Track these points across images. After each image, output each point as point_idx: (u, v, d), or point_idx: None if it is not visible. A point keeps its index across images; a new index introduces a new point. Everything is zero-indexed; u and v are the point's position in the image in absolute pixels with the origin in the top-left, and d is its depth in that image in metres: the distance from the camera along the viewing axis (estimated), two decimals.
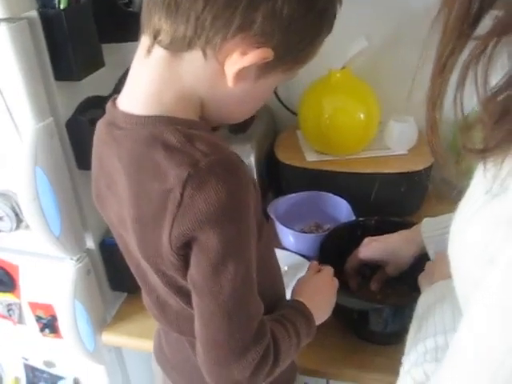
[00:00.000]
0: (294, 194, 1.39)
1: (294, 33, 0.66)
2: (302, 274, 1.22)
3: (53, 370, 1.32)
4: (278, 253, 1.29)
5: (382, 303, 1.07)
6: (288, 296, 0.93)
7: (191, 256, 0.66)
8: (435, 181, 1.46)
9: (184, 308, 0.76)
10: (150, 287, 0.81)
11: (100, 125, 0.76)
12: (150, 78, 0.68)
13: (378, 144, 1.43)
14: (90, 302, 1.15)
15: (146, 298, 0.86)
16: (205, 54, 0.65)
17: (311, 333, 0.82)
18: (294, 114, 1.51)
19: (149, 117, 0.67)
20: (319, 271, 0.95)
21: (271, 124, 1.56)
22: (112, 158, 0.71)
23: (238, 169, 0.65)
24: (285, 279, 1.24)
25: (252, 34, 0.64)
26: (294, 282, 1.21)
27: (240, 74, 0.66)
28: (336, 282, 0.93)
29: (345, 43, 1.25)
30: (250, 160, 1.37)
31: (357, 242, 1.17)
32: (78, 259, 1.11)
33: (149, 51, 0.68)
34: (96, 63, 1.04)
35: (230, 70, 0.66)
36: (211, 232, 0.63)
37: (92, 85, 1.07)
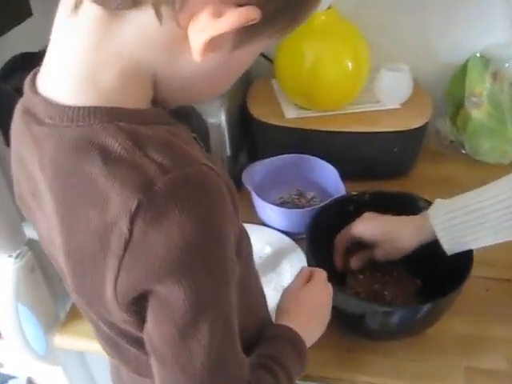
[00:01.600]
0: (272, 158, 1.20)
1: None
2: (288, 256, 1.08)
3: (2, 370, 1.15)
4: (258, 230, 1.15)
5: (386, 305, 0.93)
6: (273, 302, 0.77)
7: (148, 312, 0.48)
8: (430, 136, 1.30)
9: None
10: (96, 325, 0.63)
11: (16, 111, 0.54)
12: (78, 49, 0.47)
13: (367, 97, 1.24)
14: (37, 302, 0.96)
15: (93, 330, 0.68)
16: (159, 14, 0.44)
17: (304, 367, 0.66)
18: (270, 61, 1.29)
19: (79, 108, 0.46)
20: (309, 278, 0.77)
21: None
22: (34, 162, 0.51)
23: (211, 188, 0.46)
24: (268, 262, 1.10)
25: None
26: (280, 267, 1.07)
27: (211, 44, 0.45)
28: (330, 288, 0.76)
29: None
30: (221, 120, 1.17)
31: (348, 220, 1.01)
32: (17, 256, 0.91)
33: (76, 7, 0.46)
34: (21, 13, 0.81)
35: (196, 39, 0.45)
36: (175, 284, 0.45)
37: (19, 40, 0.85)
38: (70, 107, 0.47)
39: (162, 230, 0.43)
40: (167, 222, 0.43)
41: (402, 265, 1.01)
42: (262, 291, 0.72)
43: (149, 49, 0.46)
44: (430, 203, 0.91)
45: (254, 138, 1.28)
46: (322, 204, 1.06)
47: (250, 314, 0.64)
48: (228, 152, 1.22)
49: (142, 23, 0.45)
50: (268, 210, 1.11)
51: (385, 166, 1.22)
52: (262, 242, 1.11)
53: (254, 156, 1.29)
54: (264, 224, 1.14)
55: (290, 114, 1.22)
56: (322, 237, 0.97)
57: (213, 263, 0.46)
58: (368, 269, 1.02)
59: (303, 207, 1.17)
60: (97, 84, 0.47)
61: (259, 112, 1.24)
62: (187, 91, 0.53)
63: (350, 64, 1.17)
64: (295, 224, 1.09)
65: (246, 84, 1.33)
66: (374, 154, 1.21)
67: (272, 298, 1.01)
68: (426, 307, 0.83)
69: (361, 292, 0.98)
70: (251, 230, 1.14)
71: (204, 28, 0.44)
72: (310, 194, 1.21)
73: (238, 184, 1.16)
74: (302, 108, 1.23)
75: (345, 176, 1.15)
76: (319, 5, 0.51)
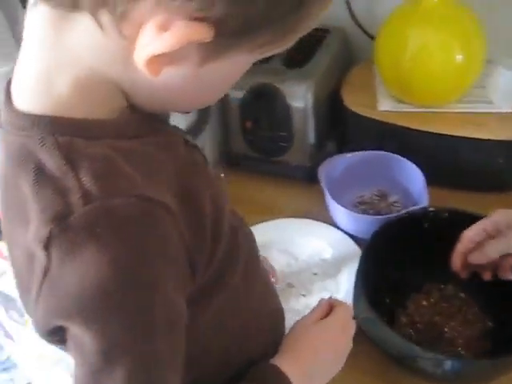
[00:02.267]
0: (355, 153, 1.09)
1: None
2: (349, 263, 0.98)
3: None
4: (324, 229, 1.06)
5: (439, 347, 0.81)
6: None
7: (67, 344, 0.44)
8: None
9: None
10: None
11: None
12: (34, 47, 0.42)
13: (477, 95, 1.07)
14: None
15: None
16: (98, 21, 0.38)
17: None
18: (372, 38, 1.16)
19: (26, 116, 0.42)
20: (329, 312, 0.67)
21: (342, 53, 1.23)
22: None
23: (138, 224, 0.40)
24: (328, 266, 1.01)
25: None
26: (339, 274, 0.99)
27: (162, 60, 0.38)
28: (352, 328, 0.66)
29: None
30: (306, 104, 1.08)
31: (420, 238, 0.89)
32: None
33: (35, 4, 0.41)
34: None
35: (138, 55, 0.38)
36: (85, 327, 0.40)
37: None
38: (20, 113, 0.43)
39: (75, 265, 0.38)
40: (81, 257, 0.38)
41: (476, 299, 0.88)
42: (260, 325, 0.63)
43: (99, 58, 0.41)
44: None
45: (344, 127, 1.18)
46: (394, 215, 0.94)
47: (233, 352, 0.57)
48: (312, 140, 1.13)
49: (87, 29, 0.39)
50: (338, 211, 1.02)
51: (484, 177, 1.06)
52: (326, 242, 1.02)
53: (343, 147, 1.18)
54: (335, 224, 1.05)
55: (384, 106, 1.09)
56: (382, 253, 0.87)
57: (131, 308, 0.40)
58: (435, 294, 0.90)
59: (381, 211, 1.06)
60: (51, 90, 0.42)
61: (352, 99, 1.13)
62: (159, 105, 0.46)
63: (459, 55, 1.01)
64: (364, 229, 0.99)
65: (344, 66, 1.21)
66: (473, 162, 1.05)
67: None
68: (479, 364, 0.71)
69: (418, 322, 0.86)
70: (317, 228, 1.08)
71: (147, 43, 0.37)
72: (392, 198, 1.09)
73: (314, 180, 1.07)
74: (399, 101, 1.10)
75: (435, 182, 1.02)
76: (316, 17, 0.41)
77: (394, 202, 1.08)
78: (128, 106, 0.45)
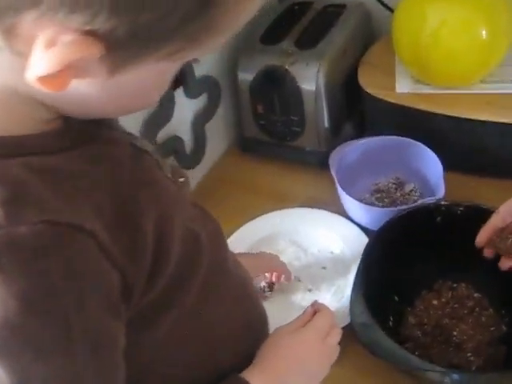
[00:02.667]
0: (370, 139, 1.03)
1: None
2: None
3: None
4: (336, 220, 1.01)
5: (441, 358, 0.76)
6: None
7: None
8: None
9: None
10: None
11: None
12: None
13: (503, 74, 0.99)
14: None
15: None
16: None
17: None
18: (391, 10, 1.08)
19: None
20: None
21: (360, 30, 1.15)
22: None
23: (46, 254, 0.36)
24: (338, 261, 0.96)
25: (55, 11, 0.31)
26: (351, 269, 0.92)
27: (60, 75, 0.34)
28: (336, 335, 0.61)
29: None
30: (318, 86, 1.02)
31: (432, 232, 0.83)
32: None
33: None
34: None
35: (27, 75, 0.34)
36: None
37: None
38: None
39: None
40: None
41: (491, 300, 0.82)
42: (243, 327, 0.60)
43: (6, 74, 0.37)
44: None
45: (361, 110, 1.11)
46: (405, 207, 0.88)
47: (194, 365, 0.54)
48: (326, 123, 1.07)
49: None
50: (348, 201, 0.96)
51: (509, 164, 0.97)
52: (337, 236, 0.97)
53: (362, 130, 1.12)
54: (348, 215, 0.99)
55: (402, 88, 1.02)
56: (390, 248, 0.82)
57: (42, 341, 0.37)
58: (447, 294, 0.84)
59: (397, 201, 1.00)
60: None
61: (368, 80, 1.05)
62: (91, 113, 0.42)
63: (484, 30, 0.92)
64: (375, 221, 0.93)
65: (363, 44, 1.13)
66: (498, 147, 0.97)
67: (329, 303, 0.89)
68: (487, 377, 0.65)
69: (426, 323, 0.81)
70: (329, 219, 1.02)
71: (34, 62, 0.33)
72: (409, 186, 1.02)
73: (325, 166, 1.02)
74: (418, 82, 1.02)
75: (456, 168, 0.96)
76: (244, 11, 0.36)
77: (411, 191, 1.01)
78: (59, 117, 0.41)
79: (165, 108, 1.00)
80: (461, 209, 0.82)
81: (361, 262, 0.81)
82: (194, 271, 0.50)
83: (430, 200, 0.88)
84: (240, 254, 0.85)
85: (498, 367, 0.75)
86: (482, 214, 0.80)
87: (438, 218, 0.83)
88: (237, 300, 0.58)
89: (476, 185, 1.00)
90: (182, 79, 1.02)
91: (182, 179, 0.52)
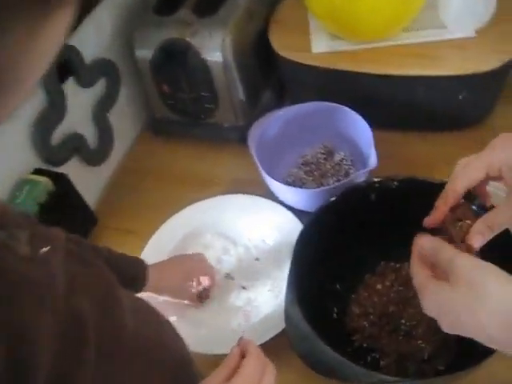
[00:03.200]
0: (290, 107, 0.93)
1: None
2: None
3: None
4: (265, 205, 0.91)
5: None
6: None
7: None
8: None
9: None
10: None
11: None
12: None
13: (427, 21, 0.90)
14: None
15: None
16: None
17: None
18: None
19: None
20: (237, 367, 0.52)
21: None
22: None
23: None
24: (270, 251, 0.87)
25: None
26: (283, 260, 0.83)
27: None
28: (271, 374, 0.52)
29: None
30: (225, 57, 0.90)
31: (368, 211, 0.75)
32: None
33: None
34: None
35: None
36: None
37: None
38: None
39: None
40: None
41: None
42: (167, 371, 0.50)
43: None
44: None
45: (278, 76, 1.00)
46: (335, 185, 0.80)
47: None
48: (241, 95, 0.97)
49: None
50: (272, 184, 0.87)
51: (441, 116, 0.90)
52: (269, 222, 0.88)
53: (282, 97, 1.02)
54: (277, 198, 0.90)
55: (319, 47, 0.92)
56: (325, 234, 0.73)
57: None
58: (390, 276, 0.77)
59: (328, 173, 0.92)
60: None
61: (282, 43, 0.95)
62: None
63: None
64: (307, 203, 0.85)
65: (269, 2, 1.01)
66: (428, 101, 0.89)
67: (266, 301, 0.81)
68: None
69: (371, 314, 0.74)
70: (257, 204, 0.93)
71: None
72: (339, 154, 0.93)
73: (244, 141, 0.92)
74: (336, 38, 0.92)
75: (386, 127, 0.89)
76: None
77: (342, 160, 0.93)
78: None
79: (55, 104, 0.86)
80: (395, 183, 0.74)
81: (293, 254, 0.73)
82: (80, 365, 0.39)
83: (363, 173, 0.79)
84: (156, 265, 0.76)
85: (450, 351, 0.69)
86: (418, 186, 0.73)
87: (372, 196, 0.75)
88: (150, 366, 0.48)
89: (405, 141, 0.94)
90: (69, 68, 0.88)
91: (45, 249, 0.41)
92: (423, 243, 0.54)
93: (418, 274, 0.52)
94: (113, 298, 0.46)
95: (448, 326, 0.48)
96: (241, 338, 0.53)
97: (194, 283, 0.79)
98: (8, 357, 0.33)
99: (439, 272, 0.51)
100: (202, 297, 0.81)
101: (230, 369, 0.50)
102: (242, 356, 0.51)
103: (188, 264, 0.80)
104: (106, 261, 0.65)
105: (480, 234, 0.53)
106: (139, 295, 0.58)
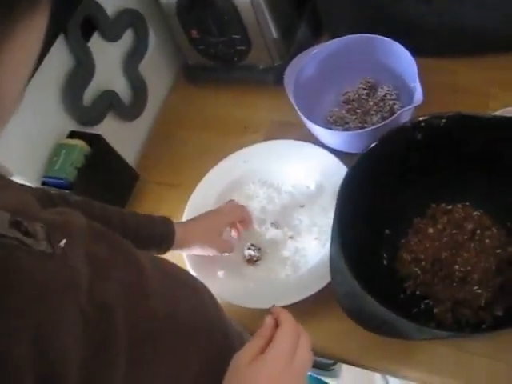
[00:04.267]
0: (329, 42, 0.87)
1: None
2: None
3: None
4: (307, 149, 0.87)
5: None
6: None
7: None
8: None
9: None
10: None
11: None
12: None
13: None
14: None
15: None
16: None
17: None
18: None
19: None
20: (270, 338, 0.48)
21: None
22: None
23: None
24: (312, 196, 0.84)
25: None
26: (332, 203, 0.79)
27: None
28: (305, 344, 0.49)
29: None
30: None
31: (415, 153, 0.71)
32: None
33: None
34: None
35: None
36: None
37: None
38: None
39: None
40: None
41: (495, 217, 0.71)
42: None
43: None
44: None
45: (312, 8, 0.94)
46: (378, 125, 0.75)
47: None
48: (274, 34, 0.91)
49: None
50: (313, 128, 0.82)
51: (485, 37, 0.82)
52: (311, 166, 0.84)
53: (318, 34, 0.96)
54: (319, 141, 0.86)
55: None
56: (371, 176, 0.70)
57: None
58: (442, 219, 0.73)
59: (371, 110, 0.86)
60: None
61: None
62: None
63: None
64: (349, 144, 0.81)
65: None
66: (471, 21, 0.81)
67: (313, 250, 0.79)
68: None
69: (423, 260, 0.71)
70: (299, 149, 0.89)
71: None
72: (382, 89, 0.87)
73: (279, 83, 0.87)
74: None
75: (432, 53, 0.84)
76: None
77: (385, 94, 0.87)
78: None
79: (83, 63, 0.84)
80: (443, 121, 0.68)
81: (338, 199, 0.69)
82: (108, 364, 0.38)
83: (407, 110, 0.74)
84: (181, 222, 0.75)
85: (509, 297, 0.66)
86: (467, 122, 0.67)
87: (419, 136, 0.70)
88: (185, 351, 0.47)
89: (454, 68, 0.87)
90: (92, 24, 0.85)
91: (63, 242, 0.39)
92: None
93: None
94: (141, 281, 0.45)
95: None
96: (273, 306, 0.52)
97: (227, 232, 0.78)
98: (37, 358, 0.33)
99: None
100: (254, 258, 0.80)
101: (264, 340, 0.48)
102: (276, 325, 0.50)
103: (211, 218, 0.77)
104: (134, 227, 0.65)
105: None
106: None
